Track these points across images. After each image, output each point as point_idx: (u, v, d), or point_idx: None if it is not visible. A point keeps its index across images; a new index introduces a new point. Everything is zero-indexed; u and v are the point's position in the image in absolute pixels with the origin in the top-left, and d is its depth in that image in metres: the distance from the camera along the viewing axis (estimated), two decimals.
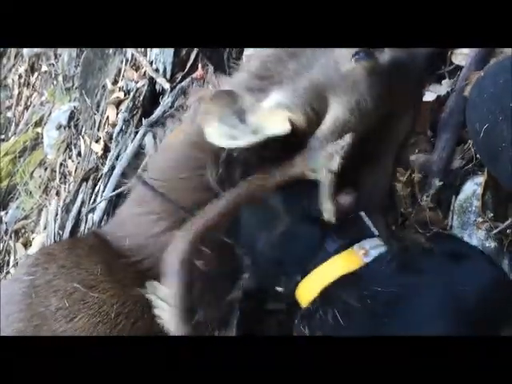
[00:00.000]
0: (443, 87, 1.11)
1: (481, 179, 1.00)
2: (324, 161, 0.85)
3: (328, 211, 0.82)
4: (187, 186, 1.01)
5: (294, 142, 0.87)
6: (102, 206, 1.57)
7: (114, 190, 1.56)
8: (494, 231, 0.96)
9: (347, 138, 0.84)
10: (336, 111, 0.92)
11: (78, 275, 1.05)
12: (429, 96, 1.12)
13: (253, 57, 1.12)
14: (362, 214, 0.87)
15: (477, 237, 0.98)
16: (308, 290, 0.78)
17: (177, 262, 0.80)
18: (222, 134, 0.86)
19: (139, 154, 1.62)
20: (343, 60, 0.94)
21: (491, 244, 0.97)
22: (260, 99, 0.99)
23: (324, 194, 0.83)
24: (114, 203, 1.54)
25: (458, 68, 1.09)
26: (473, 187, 1.01)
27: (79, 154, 2.19)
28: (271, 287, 0.85)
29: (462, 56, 1.08)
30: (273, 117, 0.89)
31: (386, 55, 0.94)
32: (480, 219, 0.98)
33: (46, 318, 0.99)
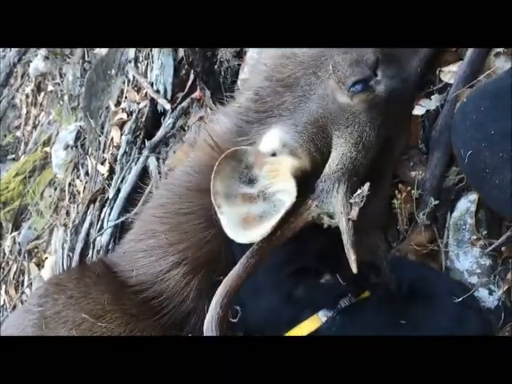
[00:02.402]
0: (433, 102, 1.12)
1: (474, 196, 1.01)
2: (343, 210, 0.87)
3: (352, 261, 0.84)
4: (193, 222, 1.04)
5: (299, 188, 0.87)
6: (108, 229, 1.60)
7: (119, 214, 1.59)
8: (489, 249, 0.97)
9: (365, 188, 0.85)
10: (341, 148, 0.94)
11: (86, 305, 1.08)
12: (418, 110, 1.14)
13: (247, 85, 1.14)
14: (337, 275, 1.00)
15: (472, 254, 0.99)
16: None
17: (217, 334, 0.81)
18: (235, 223, 0.86)
19: (143, 176, 1.65)
20: (339, 90, 0.96)
21: (486, 261, 0.98)
22: (259, 132, 1.01)
23: (346, 244, 0.85)
24: (121, 226, 1.57)
25: (447, 85, 1.10)
26: (466, 204, 1.02)
27: (87, 173, 2.23)
28: None
29: (450, 74, 1.10)
30: (279, 175, 0.89)
31: (381, 85, 0.96)
32: (474, 237, 0.99)
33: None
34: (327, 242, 1.00)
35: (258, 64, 1.13)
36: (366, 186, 0.86)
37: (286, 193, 0.88)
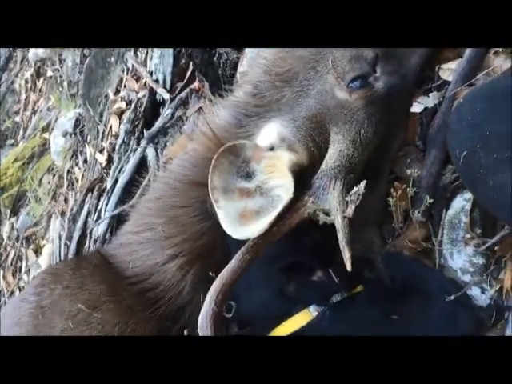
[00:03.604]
0: (431, 99, 1.12)
1: (470, 195, 1.01)
2: (339, 207, 0.87)
3: (347, 259, 0.85)
4: (189, 215, 1.04)
5: (296, 184, 0.88)
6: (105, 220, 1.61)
7: (116, 204, 1.60)
8: (482, 247, 0.98)
9: (362, 186, 0.85)
10: (339, 145, 0.93)
11: (81, 296, 1.09)
12: (416, 107, 1.13)
13: (246, 78, 1.14)
14: (330, 270, 1.01)
15: (465, 253, 1.00)
16: None
17: (212, 329, 0.82)
18: (232, 218, 0.86)
19: (141, 166, 1.65)
20: (338, 86, 0.95)
21: (479, 260, 0.99)
22: (258, 125, 1.00)
23: (341, 242, 0.86)
24: (118, 217, 1.58)
25: (446, 83, 1.10)
26: (461, 203, 1.02)
27: (85, 161, 2.23)
28: None
29: (449, 71, 1.09)
30: (276, 170, 0.89)
31: (380, 82, 0.96)
32: (468, 235, 1.00)
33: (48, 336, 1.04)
34: (321, 237, 1.00)
35: (257, 57, 1.12)
36: (363, 184, 0.86)
37: (283, 188, 0.89)
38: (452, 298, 0.96)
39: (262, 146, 0.95)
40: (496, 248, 0.97)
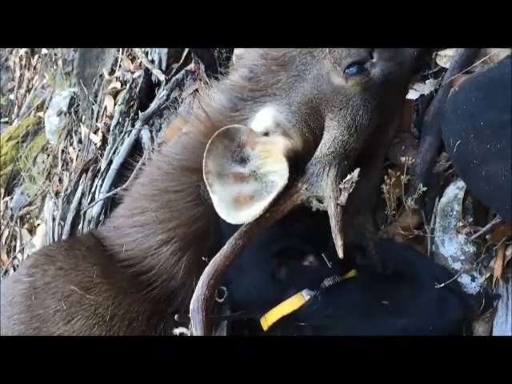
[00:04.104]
0: (427, 86, 1.12)
1: (463, 183, 1.02)
2: (332, 195, 0.87)
3: (339, 247, 0.85)
4: (182, 200, 1.04)
5: (291, 170, 0.87)
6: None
7: (111, 185, 1.59)
8: (473, 236, 0.98)
9: (355, 174, 0.85)
10: (334, 131, 0.93)
11: (75, 277, 1.10)
12: (412, 94, 1.13)
13: (242, 62, 1.13)
14: (323, 254, 1.03)
15: (457, 241, 1.01)
16: (267, 321, 1.04)
17: (203, 314, 0.82)
18: (227, 203, 0.86)
19: (136, 148, 1.64)
20: (334, 71, 0.95)
21: (470, 248, 0.99)
22: (253, 109, 1.00)
23: (334, 229, 0.86)
24: (112, 198, 1.57)
25: (443, 70, 1.09)
26: (455, 191, 1.03)
27: (80, 141, 2.22)
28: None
29: (446, 58, 1.09)
30: (271, 156, 0.89)
31: (377, 68, 0.95)
32: (460, 223, 1.00)
33: (45, 320, 1.05)
34: (314, 221, 1.01)
35: None
36: (356, 171, 0.86)
37: (277, 174, 0.88)
38: (442, 285, 0.97)
39: (257, 130, 0.94)
40: (487, 237, 0.98)
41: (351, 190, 0.86)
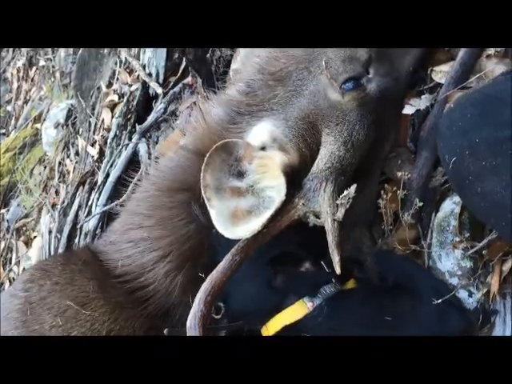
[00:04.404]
0: (423, 101, 1.12)
1: (459, 198, 1.02)
2: (329, 210, 0.87)
3: (336, 263, 0.85)
4: (175, 218, 1.04)
5: (288, 185, 0.87)
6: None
7: (107, 199, 1.59)
8: (470, 251, 0.98)
9: (352, 190, 0.85)
10: (330, 147, 0.93)
11: (71, 292, 1.09)
12: (408, 109, 1.14)
13: (239, 76, 1.13)
14: (322, 262, 1.01)
15: (453, 256, 1.01)
16: (269, 330, 1.03)
17: (200, 331, 0.81)
18: (224, 217, 0.85)
19: (133, 161, 1.64)
20: (331, 87, 0.95)
21: (467, 264, 0.99)
22: (250, 123, 1.00)
23: (331, 245, 0.86)
24: (109, 212, 1.57)
25: (438, 85, 1.10)
26: (451, 206, 1.03)
27: (77, 153, 2.21)
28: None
29: (441, 74, 1.09)
30: (268, 171, 0.89)
31: (373, 83, 0.96)
32: (457, 239, 1.00)
33: (41, 335, 1.04)
34: (312, 228, 1.00)
35: (250, 55, 1.12)
36: (353, 187, 0.86)
37: (275, 190, 0.88)
38: (443, 297, 0.96)
39: (254, 144, 0.94)
40: (484, 252, 0.98)
41: (348, 206, 0.86)
